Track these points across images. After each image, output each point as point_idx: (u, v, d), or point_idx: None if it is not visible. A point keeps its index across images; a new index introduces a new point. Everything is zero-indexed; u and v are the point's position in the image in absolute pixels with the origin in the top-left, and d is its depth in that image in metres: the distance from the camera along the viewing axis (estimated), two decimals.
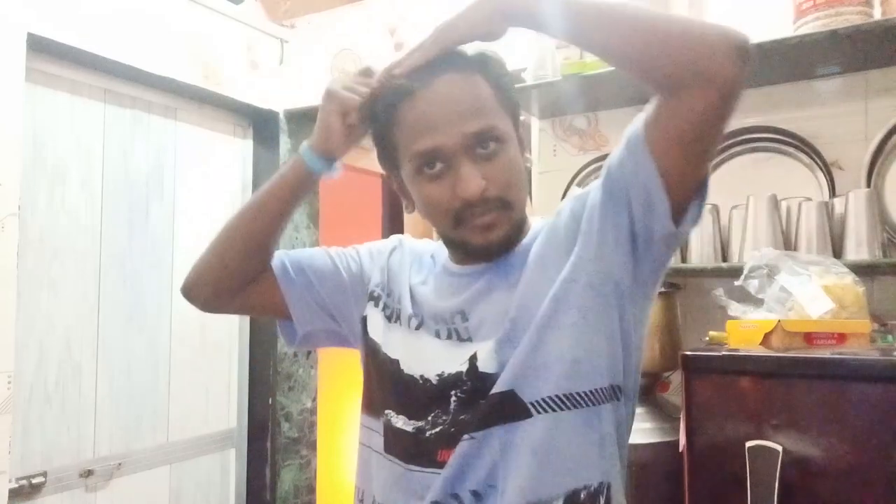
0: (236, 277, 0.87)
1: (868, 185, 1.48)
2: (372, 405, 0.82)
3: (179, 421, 1.99)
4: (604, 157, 1.78)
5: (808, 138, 1.56)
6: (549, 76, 1.67)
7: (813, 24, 1.38)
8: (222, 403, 2.15)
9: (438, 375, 0.74)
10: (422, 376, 0.76)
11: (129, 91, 1.87)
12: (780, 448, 0.93)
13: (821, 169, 1.55)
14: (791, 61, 1.47)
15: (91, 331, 1.77)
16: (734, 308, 1.24)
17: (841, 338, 1.07)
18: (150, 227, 1.93)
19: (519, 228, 0.77)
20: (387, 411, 0.78)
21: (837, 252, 1.40)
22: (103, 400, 1.79)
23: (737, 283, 1.26)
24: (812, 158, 1.56)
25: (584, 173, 1.83)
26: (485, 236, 0.73)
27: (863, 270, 1.32)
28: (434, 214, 0.75)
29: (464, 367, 0.73)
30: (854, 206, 1.40)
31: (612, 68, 1.57)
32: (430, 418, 0.74)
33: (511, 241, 0.76)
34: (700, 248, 1.56)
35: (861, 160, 1.50)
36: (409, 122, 0.73)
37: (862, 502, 0.90)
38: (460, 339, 0.75)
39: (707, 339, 1.31)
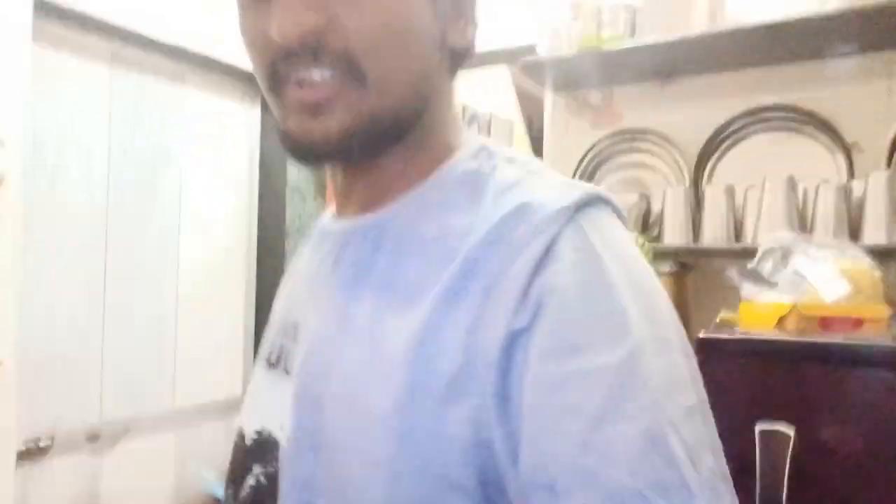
0: None
1: (888, 167, 1.45)
2: None
3: (185, 387, 2.00)
4: (618, 134, 1.76)
5: (827, 118, 1.53)
6: (565, 50, 1.63)
7: (835, 1, 1.34)
8: (227, 370, 2.16)
9: (257, 432, 0.52)
10: (240, 431, 0.54)
11: (136, 56, 1.84)
12: (791, 432, 0.92)
13: (840, 150, 1.52)
14: (811, 39, 1.43)
15: (98, 297, 1.77)
16: (747, 290, 1.23)
17: (857, 323, 1.05)
18: (158, 192, 1.92)
19: (393, 134, 0.47)
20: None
21: (855, 236, 1.38)
22: (110, 364, 1.80)
23: (750, 265, 1.24)
24: (831, 139, 1.53)
25: (595, 149, 1.80)
26: (299, 120, 0.45)
27: (880, 255, 1.30)
28: (253, 67, 0.48)
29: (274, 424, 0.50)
30: (874, 188, 1.37)
31: (629, 45, 1.57)
32: (246, 484, 0.51)
33: (363, 145, 0.46)
34: (713, 228, 1.54)
35: (882, 142, 1.47)
36: None
37: (873, 489, 0.89)
38: (286, 370, 0.51)
39: (717, 320, 1.30)
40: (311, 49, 0.43)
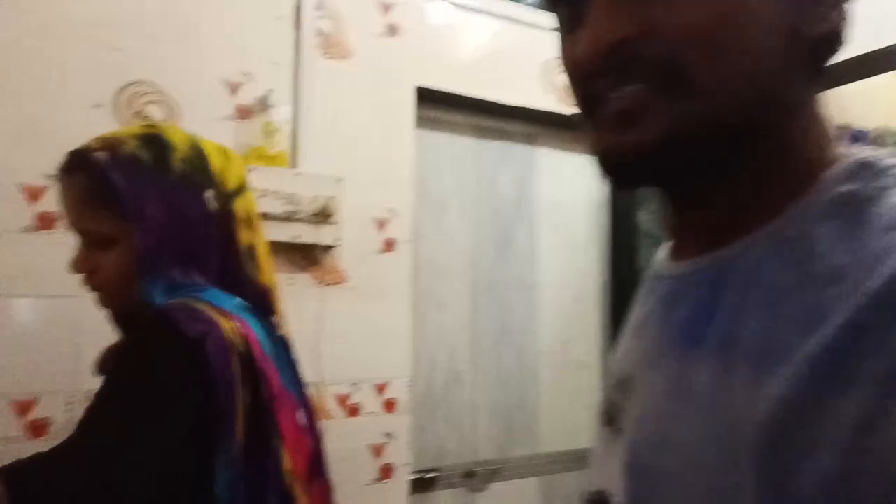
0: None
1: None
2: None
3: (548, 434, 2.06)
4: None
5: None
6: None
7: None
8: (588, 421, 2.16)
9: (594, 493, 0.48)
10: (583, 489, 0.51)
11: (494, 124, 2.03)
12: None
13: None
14: None
15: (468, 344, 1.95)
16: None
17: None
18: (515, 247, 2.06)
19: (729, 150, 0.39)
20: None
21: None
22: (481, 408, 1.95)
23: None
24: None
25: None
26: (609, 135, 0.40)
27: None
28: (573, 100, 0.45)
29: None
30: None
31: None
32: None
33: (687, 163, 0.39)
34: None
35: None
36: None
37: None
38: (619, 428, 0.47)
39: None
40: (617, 64, 0.38)
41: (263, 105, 1.53)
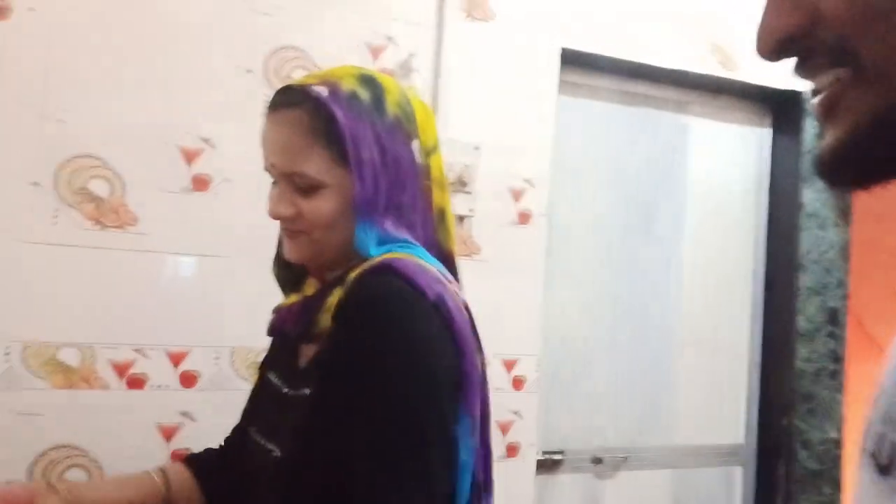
0: None
1: None
2: None
3: (684, 426, 1.93)
4: None
5: None
6: None
7: None
8: (729, 416, 2.00)
9: None
10: None
11: (642, 90, 1.88)
12: None
13: None
14: None
15: (602, 325, 1.85)
16: None
17: None
18: (659, 224, 1.91)
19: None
20: None
21: None
22: (613, 392, 1.85)
23: None
24: None
25: None
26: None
27: None
28: None
29: None
30: None
31: None
32: None
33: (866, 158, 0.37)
34: None
35: None
36: None
37: None
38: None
39: None
40: (795, 54, 0.35)
41: (405, 69, 1.50)
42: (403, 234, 0.77)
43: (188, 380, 1.35)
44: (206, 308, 1.36)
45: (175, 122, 1.35)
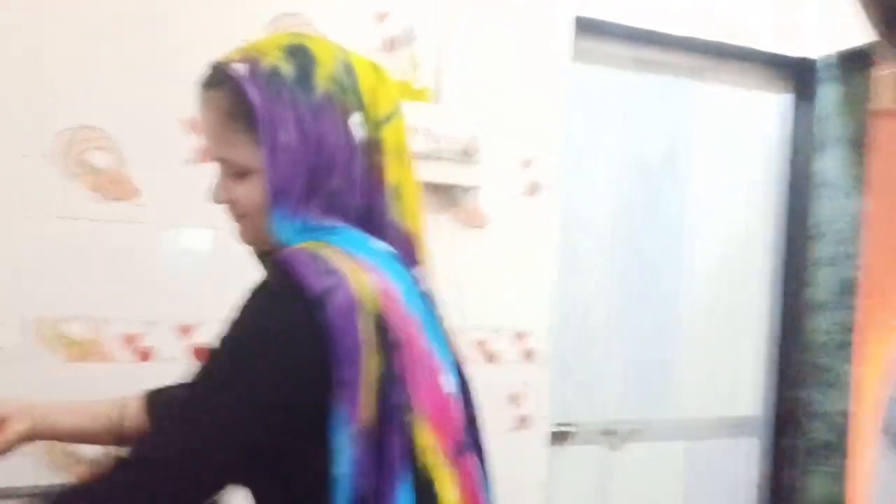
0: None
1: None
2: None
3: (697, 397, 1.92)
4: None
5: None
6: None
7: None
8: (742, 387, 1.99)
9: None
10: None
11: (654, 56, 1.84)
12: None
13: None
14: None
15: (612, 296, 1.83)
16: None
17: None
18: (669, 192, 1.89)
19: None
20: None
21: None
22: (623, 364, 1.84)
23: None
24: None
25: None
26: None
27: None
28: None
29: None
30: None
31: None
32: None
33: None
34: None
35: None
36: None
37: None
38: None
39: None
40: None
41: (410, 36, 1.47)
42: (332, 220, 0.72)
43: (196, 353, 1.34)
44: (212, 282, 1.35)
45: (177, 94, 1.32)
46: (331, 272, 0.66)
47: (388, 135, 0.75)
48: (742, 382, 1.98)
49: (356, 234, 0.73)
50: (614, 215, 1.84)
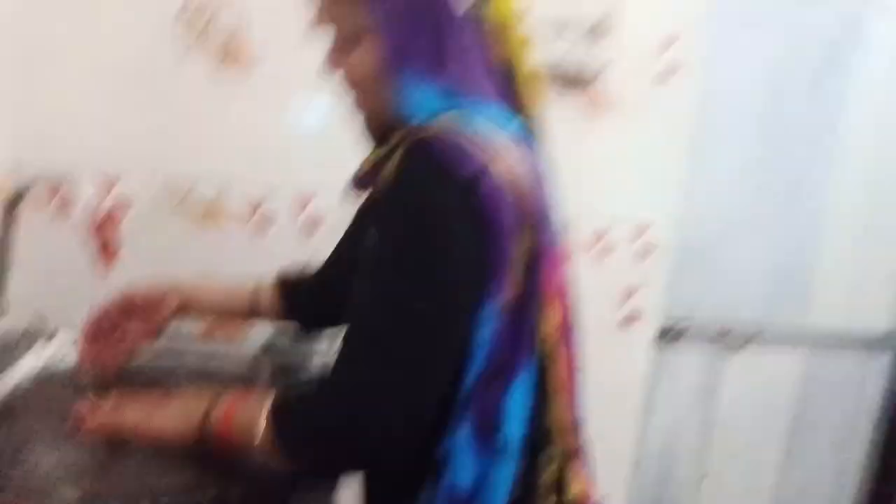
0: None
1: None
2: None
3: (827, 307, 1.78)
4: None
5: None
6: None
7: None
8: (879, 300, 1.82)
9: None
10: None
11: None
12: None
13: None
14: None
15: (749, 192, 1.70)
16: None
17: None
18: (827, 86, 1.67)
19: None
20: None
21: None
22: (752, 264, 1.73)
23: None
24: None
25: None
26: None
27: None
28: None
29: None
30: None
31: None
32: None
33: None
34: None
35: None
36: None
37: None
38: None
39: None
40: None
41: None
42: (467, 89, 0.69)
43: (312, 223, 1.39)
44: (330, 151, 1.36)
45: None
46: (478, 152, 0.65)
47: (490, 11, 0.71)
48: (880, 296, 1.81)
49: (494, 108, 0.71)
50: (763, 103, 1.66)
